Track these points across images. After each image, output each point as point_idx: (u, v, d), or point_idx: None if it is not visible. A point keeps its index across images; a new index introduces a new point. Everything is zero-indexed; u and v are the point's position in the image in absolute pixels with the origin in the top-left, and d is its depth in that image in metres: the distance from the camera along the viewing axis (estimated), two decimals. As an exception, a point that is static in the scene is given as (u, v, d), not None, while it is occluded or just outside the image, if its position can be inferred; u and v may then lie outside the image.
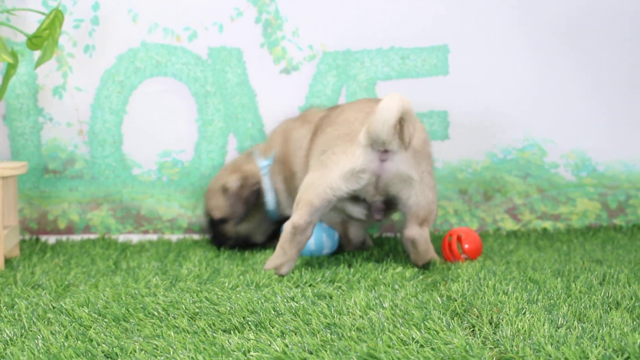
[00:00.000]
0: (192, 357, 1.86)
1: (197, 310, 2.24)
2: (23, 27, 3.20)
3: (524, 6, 3.37)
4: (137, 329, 2.10)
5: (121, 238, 3.36)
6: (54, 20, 2.92)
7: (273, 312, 2.20)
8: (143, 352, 1.91)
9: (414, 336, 1.97)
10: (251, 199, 3.07)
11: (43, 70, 3.23)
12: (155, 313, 2.22)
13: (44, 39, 2.93)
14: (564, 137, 3.41)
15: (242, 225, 3.10)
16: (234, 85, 3.32)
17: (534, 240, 3.25)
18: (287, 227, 2.71)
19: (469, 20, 3.36)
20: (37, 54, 3.23)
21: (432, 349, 1.89)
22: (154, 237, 3.36)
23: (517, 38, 3.38)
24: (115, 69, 3.30)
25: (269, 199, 3.09)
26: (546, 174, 3.42)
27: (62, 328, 2.12)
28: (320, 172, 2.72)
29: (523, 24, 3.38)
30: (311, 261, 2.88)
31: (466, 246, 2.85)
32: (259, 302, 2.31)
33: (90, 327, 2.12)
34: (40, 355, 1.88)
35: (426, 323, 2.07)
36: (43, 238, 3.35)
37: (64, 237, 3.35)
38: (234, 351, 1.89)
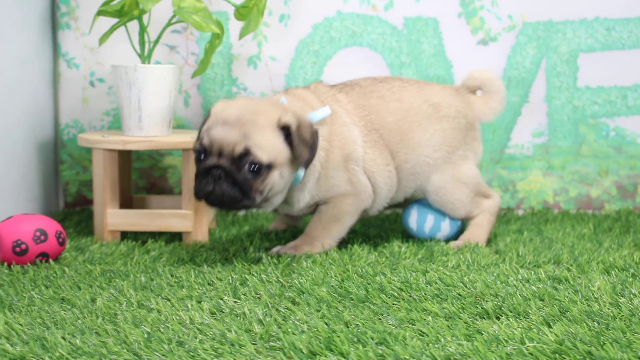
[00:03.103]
0: (463, 345, 1.81)
1: (436, 292, 2.18)
2: (222, -4, 3.17)
3: None
4: (388, 312, 2.05)
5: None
6: (260, -10, 2.87)
7: (519, 297, 2.13)
8: (414, 339, 1.85)
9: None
10: (317, 143, 2.54)
11: (238, 40, 3.19)
12: (396, 294, 2.18)
13: (250, 8, 2.89)
14: None
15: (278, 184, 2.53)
16: (430, 57, 3.24)
17: None
18: (492, 209, 2.83)
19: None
20: (233, 23, 3.20)
21: None
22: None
23: None
24: (311, 38, 3.24)
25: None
26: None
27: (309, 308, 2.08)
28: (466, 164, 2.81)
29: None
30: (521, 239, 2.81)
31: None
32: (495, 284, 2.24)
33: (335, 309, 2.08)
34: (313, 340, 1.84)
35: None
36: (234, 208, 3.34)
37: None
38: (506, 340, 1.83)
